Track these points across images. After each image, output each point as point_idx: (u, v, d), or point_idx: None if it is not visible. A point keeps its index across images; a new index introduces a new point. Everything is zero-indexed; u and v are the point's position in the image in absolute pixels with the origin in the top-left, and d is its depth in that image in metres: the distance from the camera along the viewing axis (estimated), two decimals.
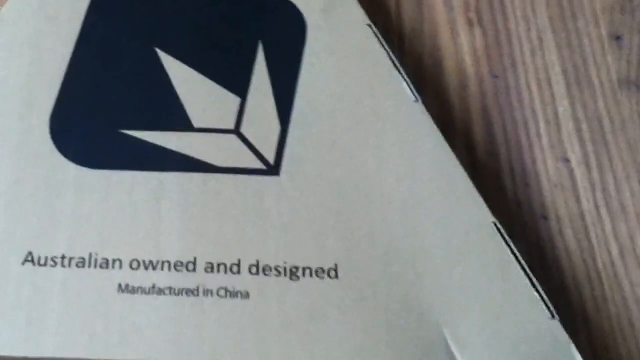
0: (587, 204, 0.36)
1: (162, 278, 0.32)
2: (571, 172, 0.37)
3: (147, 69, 0.37)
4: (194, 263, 0.32)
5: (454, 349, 0.31)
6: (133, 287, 0.32)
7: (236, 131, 0.35)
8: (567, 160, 0.37)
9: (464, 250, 0.33)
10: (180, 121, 0.36)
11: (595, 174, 0.37)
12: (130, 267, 0.32)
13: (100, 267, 0.32)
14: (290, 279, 0.32)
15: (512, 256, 0.32)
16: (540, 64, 0.40)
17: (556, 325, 0.31)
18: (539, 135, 0.38)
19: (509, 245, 0.33)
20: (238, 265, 0.32)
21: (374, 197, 0.34)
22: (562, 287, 0.34)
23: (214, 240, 0.33)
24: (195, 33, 0.38)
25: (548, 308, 0.32)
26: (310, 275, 0.32)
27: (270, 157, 0.35)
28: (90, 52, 0.37)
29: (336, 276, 0.32)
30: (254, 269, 0.32)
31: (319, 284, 0.32)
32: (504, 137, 0.38)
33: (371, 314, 0.32)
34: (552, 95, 0.39)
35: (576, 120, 0.38)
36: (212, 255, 0.33)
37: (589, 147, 0.37)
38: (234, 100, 0.36)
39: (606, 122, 0.38)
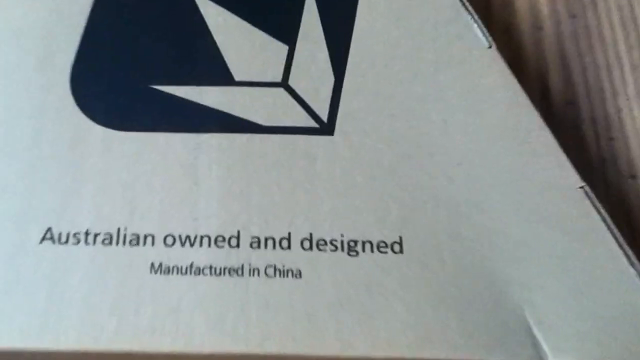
0: None
1: (201, 256, 0.28)
2: None
3: (181, 14, 0.33)
4: (238, 238, 0.29)
5: (536, 331, 0.28)
6: (168, 267, 0.28)
7: (284, 84, 0.32)
8: None
9: (545, 217, 0.29)
10: (219, 74, 0.32)
11: None
12: (165, 243, 0.29)
13: (130, 244, 0.29)
14: (349, 254, 0.29)
15: (604, 226, 0.29)
16: (624, 0, 0.37)
17: None
18: (624, 81, 0.35)
19: (600, 214, 0.29)
20: (288, 239, 0.29)
21: (439, 157, 0.30)
22: None
23: (260, 211, 0.29)
24: None
25: None
26: (372, 250, 0.29)
27: (323, 114, 0.31)
28: None
29: (401, 251, 0.29)
30: (306, 244, 0.29)
31: (381, 259, 0.29)
32: (584, 85, 0.35)
33: (441, 292, 0.28)
34: (638, 34, 0.36)
35: None
36: (258, 229, 0.29)
37: None
38: (281, 49, 0.32)
39: None
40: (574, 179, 0.30)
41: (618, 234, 0.29)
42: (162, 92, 0.31)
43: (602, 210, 0.29)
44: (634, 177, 0.33)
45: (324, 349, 0.27)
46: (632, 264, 0.28)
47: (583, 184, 0.30)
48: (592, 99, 0.35)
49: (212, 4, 0.33)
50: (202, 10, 0.33)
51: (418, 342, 0.27)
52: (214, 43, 0.32)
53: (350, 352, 0.27)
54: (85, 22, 0.33)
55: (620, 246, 0.29)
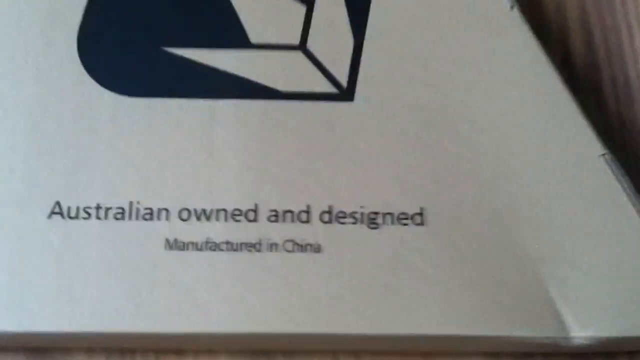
0: None
1: (217, 230, 0.27)
2: None
3: None
4: (256, 211, 0.28)
5: (560, 305, 0.27)
6: (183, 243, 0.27)
7: (302, 47, 0.30)
8: None
9: (568, 187, 0.28)
10: (235, 37, 0.30)
11: None
12: (180, 218, 0.27)
13: (144, 218, 0.27)
14: (369, 227, 0.28)
15: (626, 195, 0.28)
16: None
17: None
18: None
19: (621, 183, 0.28)
20: (308, 212, 0.28)
21: (462, 124, 0.29)
22: None
23: (278, 183, 0.28)
24: None
25: None
26: (392, 222, 0.28)
27: (343, 79, 0.30)
28: None
29: (422, 222, 0.28)
30: (326, 217, 0.28)
31: (402, 231, 0.28)
32: (604, 47, 0.34)
33: (465, 266, 0.27)
34: None
35: None
36: (276, 202, 0.28)
37: None
38: (298, 9, 0.31)
39: None
40: (596, 146, 0.29)
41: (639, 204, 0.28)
42: (174, 55, 0.30)
43: (624, 179, 0.28)
44: None
45: (346, 328, 0.27)
46: None
47: (605, 151, 0.29)
48: (613, 61, 0.34)
49: None
50: None
51: (441, 319, 0.27)
52: (229, 3, 0.31)
53: (373, 330, 0.27)
54: None
55: None
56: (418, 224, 0.28)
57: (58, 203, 0.27)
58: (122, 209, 0.28)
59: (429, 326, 0.27)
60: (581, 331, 0.27)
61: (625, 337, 0.27)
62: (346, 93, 0.30)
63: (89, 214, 0.27)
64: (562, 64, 0.33)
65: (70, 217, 0.27)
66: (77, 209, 0.27)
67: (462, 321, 0.27)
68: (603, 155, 0.29)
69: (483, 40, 0.31)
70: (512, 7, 0.31)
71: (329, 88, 0.30)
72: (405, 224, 0.28)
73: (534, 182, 0.28)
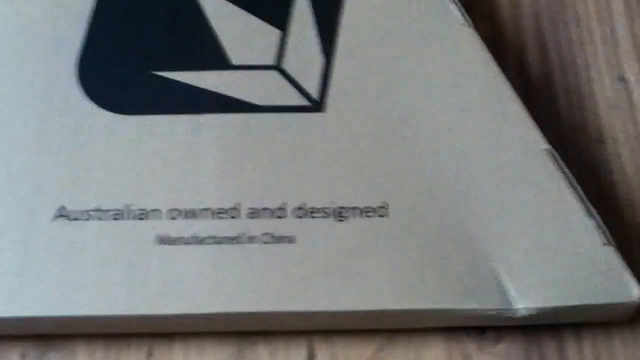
0: None
1: (203, 227, 0.31)
2: (628, 92, 0.36)
3: (179, 3, 0.35)
4: (238, 209, 0.31)
5: (504, 281, 0.30)
6: (173, 238, 0.30)
7: (277, 67, 0.34)
8: (624, 80, 0.36)
9: (515, 179, 0.31)
10: (216, 59, 0.34)
11: None
12: (169, 217, 0.31)
13: (138, 218, 0.31)
14: (337, 219, 0.31)
15: (565, 183, 0.31)
16: None
17: (612, 252, 0.30)
18: (595, 54, 0.36)
19: (563, 172, 0.31)
20: (283, 209, 0.31)
21: (422, 128, 0.32)
22: (618, 211, 0.33)
23: (257, 184, 0.31)
24: None
25: (604, 234, 0.30)
26: (359, 214, 0.31)
27: (315, 93, 0.33)
28: None
29: (385, 215, 0.31)
30: (300, 212, 0.31)
31: (367, 223, 0.31)
32: (558, 58, 0.36)
33: (422, 250, 0.30)
34: (609, 10, 0.37)
35: (634, 37, 0.37)
36: (255, 200, 0.31)
37: None
38: (273, 33, 0.35)
39: None
40: (539, 141, 0.32)
41: (578, 189, 0.31)
42: (163, 77, 0.33)
43: (565, 169, 0.31)
44: (601, 142, 0.34)
45: (314, 306, 0.30)
46: (590, 216, 0.31)
47: (547, 146, 0.32)
48: (566, 72, 0.36)
49: None
50: None
51: (400, 296, 0.30)
52: (211, 29, 0.34)
53: (338, 306, 0.30)
54: (90, 13, 0.35)
55: (580, 200, 0.31)
56: (381, 216, 0.31)
57: (63, 207, 0.31)
58: (119, 210, 0.31)
59: (388, 302, 0.30)
60: (524, 302, 0.29)
61: (563, 307, 0.29)
62: (318, 105, 0.33)
63: (89, 216, 0.31)
64: (518, 74, 0.36)
65: (73, 219, 0.31)
66: (80, 211, 0.31)
67: (417, 297, 0.30)
68: (545, 149, 0.32)
69: (438, 54, 0.34)
70: (466, 23, 0.34)
71: (302, 101, 0.33)
72: (370, 216, 0.31)
73: (485, 177, 0.31)
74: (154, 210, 0.31)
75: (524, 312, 0.30)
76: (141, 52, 0.34)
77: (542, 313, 0.30)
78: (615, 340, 0.31)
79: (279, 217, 0.31)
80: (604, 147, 0.34)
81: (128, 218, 0.31)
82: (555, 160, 0.32)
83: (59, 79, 0.33)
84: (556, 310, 0.30)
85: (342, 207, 0.31)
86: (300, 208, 0.31)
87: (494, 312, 0.30)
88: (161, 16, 0.35)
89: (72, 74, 0.33)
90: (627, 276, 0.30)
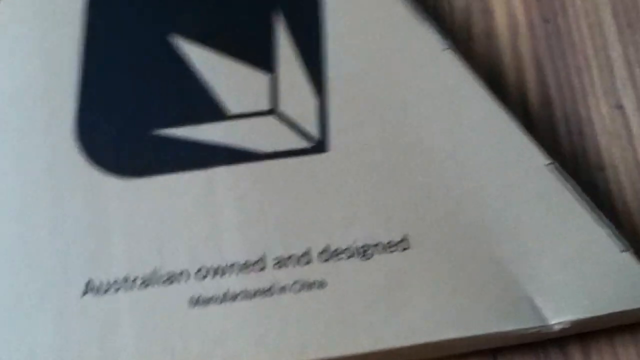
0: None
1: (233, 283, 0.30)
2: (626, 119, 0.36)
3: (165, 59, 0.34)
4: (263, 260, 0.31)
5: (535, 298, 0.30)
6: (205, 298, 0.30)
7: (274, 111, 0.33)
8: (621, 107, 0.36)
9: (525, 197, 0.32)
10: (212, 110, 0.33)
11: None
12: (198, 277, 0.30)
13: (167, 282, 0.30)
14: (363, 258, 0.31)
15: (573, 196, 0.32)
16: (590, 6, 0.38)
17: (628, 257, 0.31)
18: (592, 82, 0.37)
19: (569, 185, 0.32)
20: (308, 254, 0.31)
21: (426, 156, 0.33)
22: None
23: (278, 233, 0.31)
24: (206, 10, 0.36)
25: (619, 241, 0.31)
26: (383, 250, 0.31)
27: (315, 133, 0.33)
28: (100, 53, 0.35)
29: (408, 247, 0.31)
30: (325, 255, 0.31)
31: (392, 257, 0.31)
32: (557, 86, 0.36)
33: (450, 278, 0.30)
34: (604, 38, 0.38)
35: (629, 64, 0.37)
36: (280, 249, 0.31)
37: None
38: (263, 77, 0.34)
39: None
40: (540, 158, 0.32)
41: (587, 199, 0.32)
42: (163, 136, 0.33)
43: (570, 181, 0.32)
44: (602, 169, 0.35)
45: (358, 347, 0.29)
46: (603, 225, 0.31)
47: (549, 161, 0.32)
48: (565, 99, 0.36)
49: (192, 44, 0.35)
50: (183, 52, 0.34)
51: (438, 327, 0.30)
52: (201, 81, 0.34)
53: (381, 345, 0.29)
54: (79, 80, 0.34)
55: (590, 210, 0.31)
56: (404, 249, 0.31)
57: (90, 281, 0.30)
58: (146, 277, 0.30)
59: (429, 334, 0.30)
60: (557, 317, 0.30)
61: (595, 317, 0.30)
62: (320, 145, 0.33)
63: (118, 287, 0.30)
64: (519, 102, 0.36)
65: (102, 293, 0.30)
66: (108, 283, 0.30)
67: (455, 326, 0.30)
68: (548, 164, 0.32)
69: (426, 80, 0.34)
70: (445, 47, 0.34)
71: (304, 144, 0.33)
72: (393, 251, 0.31)
73: (494, 196, 0.32)
74: (181, 272, 0.30)
75: (560, 327, 0.30)
76: (137, 112, 0.33)
77: (575, 325, 0.30)
78: (618, 349, 0.31)
79: (306, 263, 0.31)
80: (605, 174, 0.35)
81: (157, 284, 0.30)
82: (560, 173, 0.32)
83: (61, 151, 0.33)
84: (589, 321, 0.30)
85: (365, 245, 0.31)
86: (324, 251, 0.31)
87: (533, 331, 0.30)
88: (150, 73, 0.34)
89: (72, 144, 0.33)
90: None
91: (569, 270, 0.30)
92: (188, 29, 0.35)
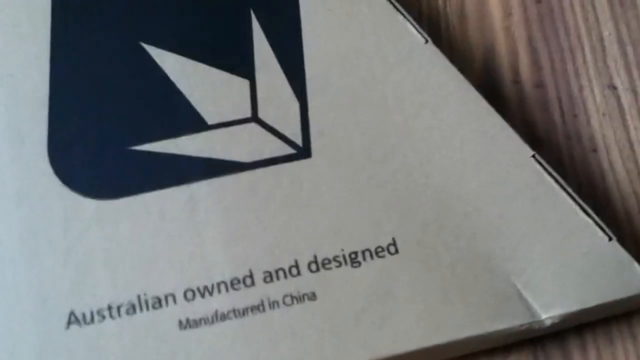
0: (635, 133, 0.35)
1: (222, 302, 0.29)
2: (618, 99, 0.36)
3: (139, 69, 0.33)
4: (251, 276, 0.30)
5: (525, 294, 0.30)
6: (195, 320, 0.29)
7: (255, 118, 0.32)
8: (614, 88, 0.36)
9: (510, 191, 0.31)
10: (191, 121, 0.32)
11: None
12: (186, 298, 0.29)
13: (154, 307, 0.29)
14: (352, 266, 0.30)
15: (557, 186, 0.31)
16: None
17: (616, 246, 0.30)
18: (585, 62, 0.36)
19: (552, 176, 0.31)
20: (296, 266, 0.30)
21: (410, 156, 0.32)
22: (614, 220, 0.33)
23: (264, 246, 0.30)
24: (178, 16, 0.34)
25: (604, 231, 0.31)
26: (372, 257, 0.30)
27: (298, 139, 0.32)
28: (68, 69, 0.33)
29: (396, 251, 0.30)
30: (313, 266, 0.30)
31: (381, 263, 0.30)
32: (550, 67, 0.36)
33: (440, 280, 0.30)
34: (597, 18, 0.37)
35: (621, 44, 0.37)
36: (267, 262, 0.30)
37: (635, 73, 0.36)
38: (242, 83, 0.33)
39: None
40: (524, 150, 0.32)
41: (569, 190, 0.31)
42: (140, 151, 0.32)
43: (553, 172, 0.31)
44: (595, 150, 0.35)
45: (352, 358, 0.29)
46: (588, 215, 0.31)
47: (533, 152, 0.32)
48: (558, 80, 0.36)
49: (165, 52, 0.33)
50: (157, 61, 0.33)
51: (432, 331, 0.29)
52: (177, 91, 0.33)
53: (376, 354, 0.29)
54: (48, 100, 0.33)
55: (574, 201, 0.31)
56: (393, 253, 0.30)
57: (72, 312, 0.29)
58: (132, 303, 0.29)
59: (423, 339, 0.29)
60: (549, 312, 0.30)
61: (586, 309, 0.30)
62: (304, 151, 0.32)
63: (103, 316, 0.29)
64: (513, 84, 0.36)
65: (87, 323, 0.29)
66: (92, 313, 0.29)
67: (449, 329, 0.29)
68: (532, 156, 0.32)
69: (407, 77, 0.33)
70: (426, 41, 0.34)
71: (287, 150, 0.32)
72: (382, 256, 0.30)
73: (479, 193, 0.31)
74: (168, 295, 0.29)
75: (551, 321, 0.30)
76: (111, 129, 0.32)
77: (567, 318, 0.30)
78: (617, 344, 0.31)
79: (295, 275, 0.30)
80: (598, 156, 0.35)
81: (144, 309, 0.29)
82: (542, 165, 0.32)
83: (34, 174, 0.31)
84: (580, 313, 0.30)
85: (353, 252, 0.30)
86: (313, 262, 0.30)
87: (525, 328, 0.30)
88: (123, 85, 0.33)
89: (46, 168, 0.31)
90: (636, 267, 0.30)
91: (556, 262, 0.30)
92: (160, 37, 0.34)
